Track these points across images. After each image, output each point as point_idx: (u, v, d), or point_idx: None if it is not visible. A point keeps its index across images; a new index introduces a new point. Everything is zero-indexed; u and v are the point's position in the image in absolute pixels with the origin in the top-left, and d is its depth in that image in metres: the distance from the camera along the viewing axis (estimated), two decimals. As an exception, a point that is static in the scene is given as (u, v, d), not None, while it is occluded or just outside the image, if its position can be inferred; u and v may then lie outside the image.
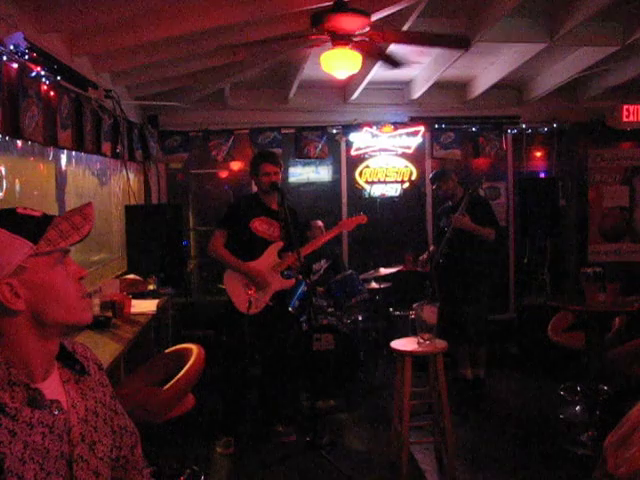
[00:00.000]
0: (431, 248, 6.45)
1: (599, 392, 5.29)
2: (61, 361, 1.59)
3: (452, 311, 6.03)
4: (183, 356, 3.74)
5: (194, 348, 3.75)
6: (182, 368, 3.61)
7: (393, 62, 4.98)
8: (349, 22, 4.01)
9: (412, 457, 4.76)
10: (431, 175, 6.74)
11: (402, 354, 4.55)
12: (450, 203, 6.39)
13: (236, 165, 7.97)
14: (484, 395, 6.18)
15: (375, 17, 4.45)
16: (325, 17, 4.00)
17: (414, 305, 4.66)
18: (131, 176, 6.37)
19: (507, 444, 5.10)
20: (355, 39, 4.27)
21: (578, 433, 5.08)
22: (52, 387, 1.52)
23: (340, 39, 4.19)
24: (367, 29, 4.23)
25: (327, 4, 4.12)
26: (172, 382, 3.51)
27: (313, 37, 4.34)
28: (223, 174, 8.12)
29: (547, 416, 5.60)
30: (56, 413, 1.49)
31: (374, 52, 4.69)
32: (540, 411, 5.75)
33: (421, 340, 4.57)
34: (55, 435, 1.47)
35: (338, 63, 4.40)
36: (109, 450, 1.65)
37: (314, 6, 4.25)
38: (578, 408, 5.63)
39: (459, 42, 4.99)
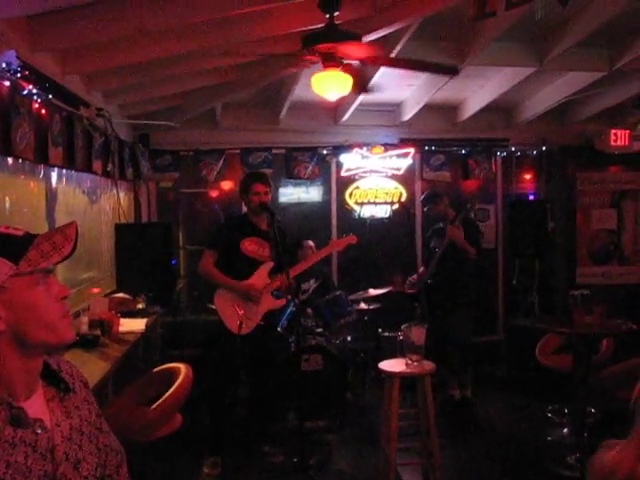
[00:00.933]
0: (421, 269, 6.49)
1: (587, 414, 5.30)
2: (45, 379, 1.59)
3: (438, 332, 6.07)
4: (171, 375, 3.73)
5: (182, 368, 3.74)
6: (170, 387, 3.59)
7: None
8: (340, 45, 4.05)
9: (399, 478, 4.74)
10: (423, 196, 6.79)
11: (390, 375, 4.55)
12: (441, 225, 6.45)
13: (227, 185, 7.98)
14: (473, 415, 6.18)
15: (366, 39, 4.50)
16: (316, 39, 4.03)
17: (402, 326, 4.66)
18: (121, 194, 6.38)
19: (494, 466, 5.09)
20: (346, 61, 4.31)
21: (565, 455, 5.08)
22: (35, 406, 1.52)
23: (331, 61, 4.23)
24: (358, 52, 4.28)
25: (318, 26, 4.17)
26: (160, 401, 3.49)
27: (304, 58, 4.37)
28: (213, 194, 8.13)
29: (534, 438, 5.60)
30: (39, 432, 1.48)
31: (357, 83, 4.73)
32: (528, 433, 5.75)
33: (409, 361, 4.56)
34: (38, 454, 1.47)
35: (329, 85, 4.43)
36: (94, 469, 1.64)
37: (305, 28, 4.29)
38: (565, 430, 5.63)
39: (448, 70, 5.05)
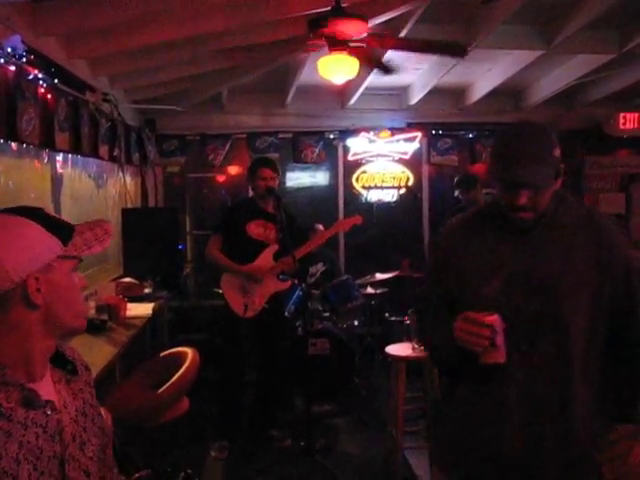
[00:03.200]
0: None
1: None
2: (52, 362, 1.61)
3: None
4: (178, 359, 3.73)
5: (189, 352, 3.72)
6: (177, 371, 3.60)
7: (386, 69, 4.98)
8: (346, 27, 4.02)
9: (406, 462, 4.76)
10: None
11: (397, 359, 4.56)
12: (464, 202, 6.41)
13: (233, 169, 7.98)
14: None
15: (373, 22, 4.47)
16: (322, 22, 4.01)
17: (409, 311, 4.66)
18: (128, 179, 6.37)
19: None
20: (352, 44, 4.28)
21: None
22: (46, 387, 1.54)
23: (337, 44, 4.20)
24: (364, 35, 4.25)
25: (325, 9, 4.14)
26: (166, 385, 3.49)
27: (310, 42, 4.35)
28: (220, 178, 8.14)
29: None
30: (49, 413, 1.50)
31: (368, 60, 4.69)
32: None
33: (415, 346, 4.57)
34: (48, 435, 1.48)
35: (335, 68, 4.41)
36: (97, 450, 1.66)
37: (312, 11, 4.26)
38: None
39: (455, 50, 4.99)
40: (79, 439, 1.58)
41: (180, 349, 4.07)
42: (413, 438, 4.94)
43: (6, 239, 1.42)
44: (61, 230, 1.50)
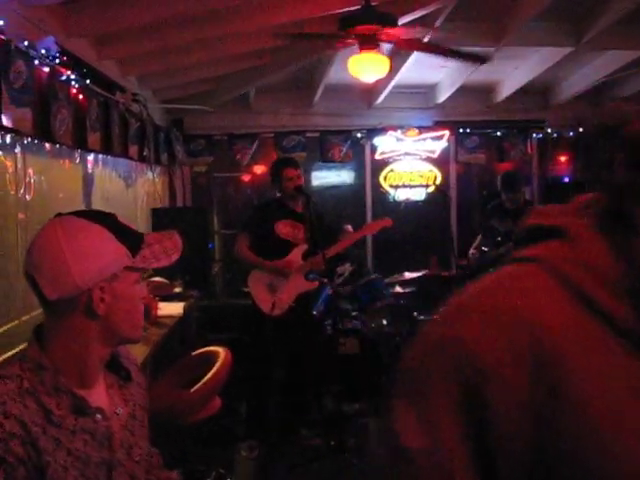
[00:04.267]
0: (472, 252, 6.42)
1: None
2: (106, 367, 1.61)
3: None
4: (210, 358, 3.73)
5: (221, 351, 3.74)
6: (209, 370, 3.60)
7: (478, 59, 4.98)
8: (378, 26, 4.01)
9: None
10: (502, 177, 6.52)
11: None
12: (503, 204, 6.31)
13: (260, 169, 7.99)
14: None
15: (403, 20, 4.45)
16: (354, 21, 4.00)
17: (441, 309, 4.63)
18: (157, 179, 6.40)
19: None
20: (384, 42, 4.27)
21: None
22: (97, 394, 1.53)
23: (368, 43, 4.19)
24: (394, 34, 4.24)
25: (354, 8, 4.13)
26: (200, 384, 3.50)
27: (341, 41, 4.35)
28: (247, 178, 8.15)
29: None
30: (98, 420, 1.50)
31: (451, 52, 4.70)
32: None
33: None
34: (96, 442, 1.48)
35: (366, 67, 4.41)
36: (145, 453, 1.65)
37: (342, 10, 4.26)
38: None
39: (476, 59, 5.01)
40: (127, 444, 1.57)
41: (212, 348, 4.07)
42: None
43: (77, 244, 1.42)
44: (131, 240, 1.49)
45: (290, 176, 5.09)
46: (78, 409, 1.46)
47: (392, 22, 4.06)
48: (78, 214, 1.50)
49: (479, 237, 6.59)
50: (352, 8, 4.17)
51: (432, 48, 4.76)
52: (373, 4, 4.08)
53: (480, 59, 4.90)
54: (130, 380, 1.66)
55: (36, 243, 1.45)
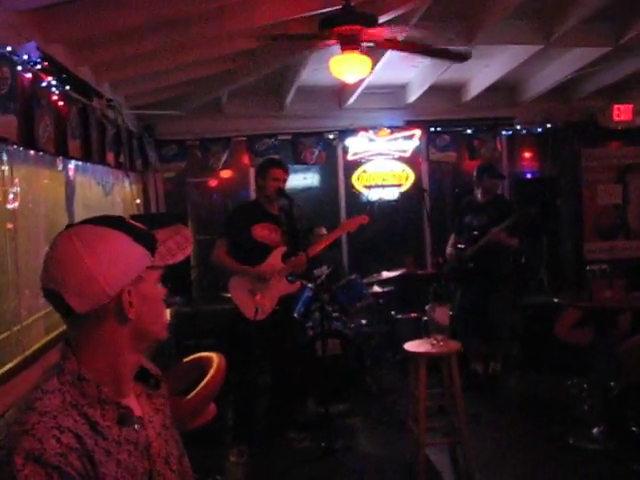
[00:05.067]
0: (448, 250, 6.50)
1: (607, 388, 5.33)
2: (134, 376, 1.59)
3: (481, 311, 6.31)
4: (203, 365, 3.71)
5: (214, 356, 3.71)
6: (203, 377, 3.58)
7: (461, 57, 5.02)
8: (359, 26, 4.02)
9: (427, 459, 4.75)
10: (480, 165, 6.73)
11: (417, 356, 4.56)
12: (476, 199, 6.45)
13: (233, 173, 7.96)
14: (494, 392, 6.24)
15: (380, 20, 4.47)
16: (335, 21, 4.01)
17: (427, 307, 4.67)
18: (132, 186, 6.33)
19: (519, 442, 5.13)
20: (364, 44, 4.28)
21: (589, 429, 5.09)
22: (132, 403, 1.51)
23: (349, 43, 4.20)
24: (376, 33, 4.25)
25: (335, 8, 4.14)
26: (195, 391, 3.47)
27: (322, 41, 4.35)
28: (221, 182, 8.11)
29: (556, 413, 5.61)
30: (138, 429, 1.48)
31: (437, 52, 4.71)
32: (548, 408, 5.77)
33: (434, 341, 4.58)
34: (139, 452, 1.46)
35: (347, 68, 4.41)
36: (178, 462, 1.64)
37: (322, 10, 4.26)
38: (586, 405, 5.65)
39: (459, 57, 5.06)
40: (164, 453, 1.56)
41: (204, 354, 4.05)
42: (431, 435, 4.94)
43: (99, 252, 1.39)
44: (146, 240, 1.47)
45: (276, 176, 5.08)
46: (123, 419, 1.43)
47: (373, 22, 4.08)
48: (89, 222, 1.47)
49: (452, 236, 6.66)
50: (332, 9, 4.18)
51: (415, 47, 4.77)
52: (352, 4, 4.09)
53: (460, 57, 4.92)
54: (159, 388, 1.64)
55: (54, 257, 1.41)
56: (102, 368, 1.43)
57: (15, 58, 3.34)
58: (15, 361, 3.33)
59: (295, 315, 5.93)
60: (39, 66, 3.61)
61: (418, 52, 4.81)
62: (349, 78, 4.61)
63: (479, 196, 6.52)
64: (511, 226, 6.14)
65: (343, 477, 4.67)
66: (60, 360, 1.44)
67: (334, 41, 4.24)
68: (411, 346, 4.64)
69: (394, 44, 4.43)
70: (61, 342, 1.48)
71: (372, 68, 5.93)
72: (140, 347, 1.50)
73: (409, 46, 4.65)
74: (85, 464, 1.31)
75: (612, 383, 5.48)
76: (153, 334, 1.51)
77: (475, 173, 6.55)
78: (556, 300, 5.41)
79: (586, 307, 5.24)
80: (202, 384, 3.54)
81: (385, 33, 4.24)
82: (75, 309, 1.38)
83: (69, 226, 1.46)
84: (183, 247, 1.53)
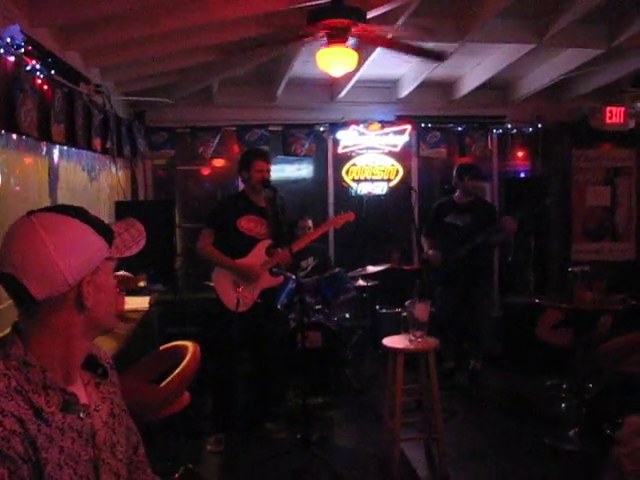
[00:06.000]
0: (430, 252, 6.50)
1: (585, 389, 5.36)
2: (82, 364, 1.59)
3: (463, 309, 6.40)
4: (179, 353, 3.72)
5: (190, 345, 3.73)
6: (178, 365, 3.59)
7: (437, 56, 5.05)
8: (347, 20, 4.02)
9: (402, 453, 4.76)
10: (461, 165, 6.74)
11: (395, 351, 4.57)
12: (456, 199, 6.47)
13: (223, 162, 7.96)
14: (471, 389, 6.27)
15: (369, 15, 4.47)
16: (322, 15, 4.01)
17: (406, 302, 4.68)
18: (119, 172, 6.33)
19: (496, 440, 5.14)
20: (351, 37, 4.29)
21: (565, 429, 5.12)
22: (79, 391, 1.52)
23: (336, 37, 4.20)
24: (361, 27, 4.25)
25: (324, 1, 4.14)
26: (169, 379, 3.48)
27: (309, 35, 4.34)
28: (210, 171, 8.11)
29: (534, 413, 5.65)
30: (83, 417, 1.49)
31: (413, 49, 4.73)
32: (527, 408, 5.82)
33: (412, 337, 4.59)
34: (83, 440, 1.47)
35: (334, 61, 4.42)
36: (125, 450, 1.65)
37: (310, 3, 4.26)
38: (564, 405, 5.69)
39: (436, 56, 5.09)
40: (110, 442, 1.57)
41: (179, 343, 4.08)
42: (408, 430, 4.95)
43: (62, 240, 1.40)
44: (105, 231, 1.49)
45: (260, 168, 5.08)
46: (67, 406, 1.44)
47: (361, 17, 4.08)
48: (51, 209, 1.48)
49: (425, 238, 6.64)
50: (321, 2, 4.18)
51: (393, 44, 4.78)
52: (342, -2, 4.09)
53: (438, 56, 4.97)
54: (106, 377, 1.65)
55: (14, 242, 1.41)
56: (51, 355, 1.44)
57: (-2, 41, 3.34)
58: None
59: (278, 306, 5.94)
60: (22, 49, 3.61)
61: (400, 50, 4.81)
62: (336, 71, 4.62)
63: (459, 196, 6.52)
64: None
65: (318, 469, 4.67)
66: (7, 345, 1.44)
67: (322, 34, 4.24)
68: (389, 341, 4.65)
69: (378, 41, 4.43)
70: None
71: (363, 62, 5.99)
72: (91, 335, 1.53)
73: (391, 43, 4.65)
74: (27, 448, 1.33)
75: (590, 385, 5.53)
76: (106, 323, 1.54)
77: (455, 173, 6.56)
78: (537, 300, 5.42)
79: (566, 308, 5.26)
80: (176, 372, 3.57)
81: (375, 28, 4.23)
82: (34, 295, 1.39)
83: (30, 212, 1.46)
84: (137, 240, 1.57)
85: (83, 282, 1.43)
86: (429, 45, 5.26)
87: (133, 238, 1.56)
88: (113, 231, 1.52)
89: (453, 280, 6.37)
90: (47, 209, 1.48)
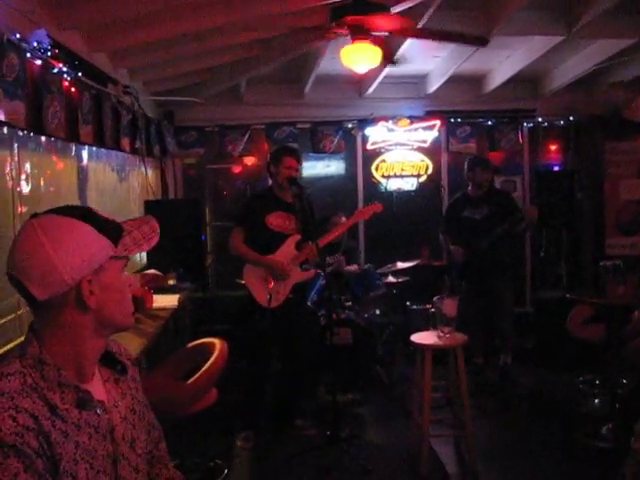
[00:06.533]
0: (452, 247, 6.48)
1: (618, 385, 5.29)
2: (100, 360, 1.62)
3: (486, 304, 6.38)
4: (206, 350, 3.75)
5: (217, 342, 3.75)
6: (206, 362, 3.62)
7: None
8: (370, 16, 4.01)
9: (432, 450, 4.75)
10: (471, 158, 6.76)
11: (423, 348, 4.56)
12: (470, 193, 6.45)
13: (252, 160, 8.00)
14: (503, 386, 6.23)
15: (394, 10, 4.45)
16: (345, 11, 4.00)
17: (434, 298, 4.66)
18: (149, 172, 6.39)
19: (526, 437, 5.10)
20: (375, 33, 4.27)
21: (598, 426, 5.06)
22: (96, 387, 1.55)
23: (360, 33, 4.20)
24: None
25: (346, -1, 4.13)
26: (196, 376, 3.52)
27: (333, 31, 4.34)
28: (239, 169, 8.15)
29: (566, 409, 5.59)
30: (100, 413, 1.51)
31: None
32: (559, 404, 5.74)
33: (441, 333, 4.57)
34: (100, 435, 1.50)
35: (358, 57, 4.41)
36: (145, 446, 1.67)
37: (333, 0, 4.25)
38: (597, 401, 5.62)
39: (477, 41, 5.00)
40: (129, 437, 1.59)
41: (207, 340, 4.11)
42: (437, 426, 4.94)
43: (59, 242, 1.42)
44: (111, 230, 1.50)
45: (288, 165, 5.10)
46: (82, 403, 1.47)
47: (383, 12, 4.06)
48: (54, 212, 1.50)
49: (444, 237, 6.64)
50: (343, -1, 4.17)
51: (425, 33, 4.74)
52: (365, -6, 4.08)
53: (480, 40, 4.88)
54: (125, 373, 1.67)
55: (17, 245, 1.45)
56: (64, 353, 1.47)
57: (25, 45, 3.39)
58: (17, 341, 3.39)
59: (308, 303, 5.95)
60: (49, 53, 3.66)
61: (434, 38, 4.77)
62: (360, 68, 4.61)
63: (472, 190, 6.52)
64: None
65: (347, 466, 4.68)
66: (23, 344, 1.48)
67: (345, 31, 4.23)
68: (417, 337, 4.64)
69: (409, 32, 4.40)
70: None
71: (391, 58, 5.96)
72: (104, 333, 1.55)
73: (425, 33, 4.62)
74: (42, 443, 1.35)
75: (624, 380, 5.45)
76: (117, 322, 1.55)
77: (466, 166, 6.57)
78: (568, 295, 5.36)
79: (597, 303, 5.19)
80: (203, 369, 3.60)
81: (397, 23, 4.21)
82: (36, 296, 1.42)
83: (34, 215, 1.49)
84: (149, 237, 1.56)
85: (83, 281, 1.45)
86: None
87: (144, 235, 1.56)
88: (122, 229, 1.53)
89: (476, 275, 6.34)
90: (51, 211, 1.51)
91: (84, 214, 1.50)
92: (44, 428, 1.37)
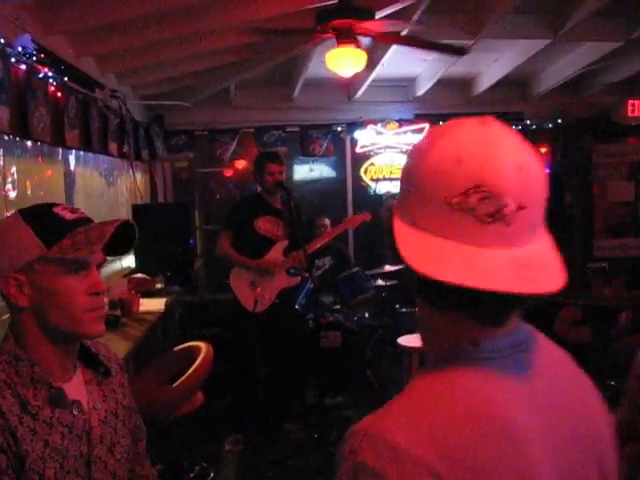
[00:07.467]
0: None
1: (606, 387, 5.31)
2: (84, 362, 1.62)
3: None
4: (192, 354, 3.76)
5: (202, 346, 3.76)
6: (191, 365, 3.62)
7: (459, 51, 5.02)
8: (355, 20, 4.03)
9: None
10: None
11: (409, 350, 4.57)
12: None
13: (241, 164, 8.01)
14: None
15: (380, 14, 4.47)
16: (330, 15, 4.02)
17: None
18: (137, 176, 6.39)
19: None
20: (360, 37, 4.29)
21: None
22: (74, 387, 1.55)
23: (345, 37, 4.21)
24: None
25: (332, 2, 4.14)
26: (181, 379, 3.52)
27: (318, 35, 4.36)
28: (228, 173, 8.16)
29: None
30: (75, 414, 1.51)
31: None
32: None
33: (428, 336, 4.57)
34: (74, 435, 1.50)
35: (343, 61, 4.43)
36: (126, 451, 1.67)
37: (319, 4, 4.27)
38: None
39: (456, 51, 5.05)
40: (108, 441, 1.58)
41: (193, 343, 4.10)
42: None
43: None
44: (50, 231, 1.47)
45: (272, 171, 5.10)
46: (55, 400, 1.47)
47: (369, 16, 4.08)
48: (19, 210, 1.52)
49: None
50: (329, 2, 4.19)
51: (410, 41, 4.78)
52: (349, -2, 4.10)
53: (458, 51, 4.93)
54: (108, 376, 1.67)
55: None
56: (34, 351, 1.48)
57: (9, 50, 3.39)
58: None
59: (296, 307, 5.96)
60: (35, 58, 3.66)
61: (417, 46, 4.80)
62: (345, 72, 4.63)
63: None
64: None
65: (334, 469, 4.68)
66: (3, 341, 1.50)
67: (330, 35, 4.25)
68: (404, 340, 4.66)
69: (393, 38, 4.42)
70: None
71: (378, 62, 5.98)
72: (57, 337, 1.51)
73: (408, 40, 4.64)
74: (7, 438, 1.36)
75: (612, 382, 5.47)
76: (63, 327, 1.50)
77: None
78: (555, 297, 5.38)
79: (583, 304, 5.22)
80: (189, 372, 3.60)
81: (383, 27, 4.23)
82: None
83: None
84: (92, 243, 1.47)
85: (9, 279, 1.45)
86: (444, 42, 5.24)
87: (88, 240, 1.47)
88: (66, 231, 1.48)
89: None
90: (18, 210, 1.53)
91: (30, 213, 1.50)
92: (10, 423, 1.37)
